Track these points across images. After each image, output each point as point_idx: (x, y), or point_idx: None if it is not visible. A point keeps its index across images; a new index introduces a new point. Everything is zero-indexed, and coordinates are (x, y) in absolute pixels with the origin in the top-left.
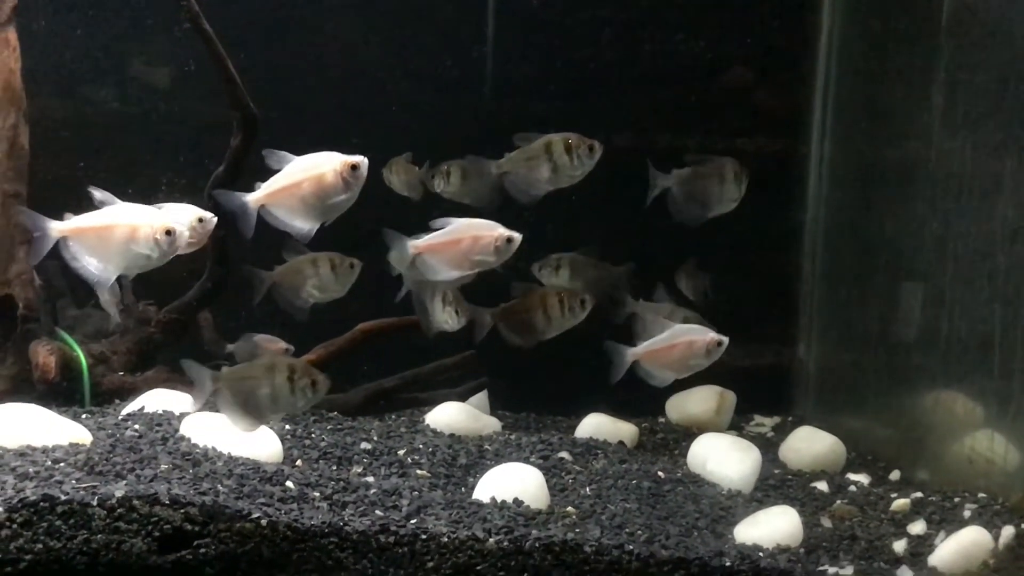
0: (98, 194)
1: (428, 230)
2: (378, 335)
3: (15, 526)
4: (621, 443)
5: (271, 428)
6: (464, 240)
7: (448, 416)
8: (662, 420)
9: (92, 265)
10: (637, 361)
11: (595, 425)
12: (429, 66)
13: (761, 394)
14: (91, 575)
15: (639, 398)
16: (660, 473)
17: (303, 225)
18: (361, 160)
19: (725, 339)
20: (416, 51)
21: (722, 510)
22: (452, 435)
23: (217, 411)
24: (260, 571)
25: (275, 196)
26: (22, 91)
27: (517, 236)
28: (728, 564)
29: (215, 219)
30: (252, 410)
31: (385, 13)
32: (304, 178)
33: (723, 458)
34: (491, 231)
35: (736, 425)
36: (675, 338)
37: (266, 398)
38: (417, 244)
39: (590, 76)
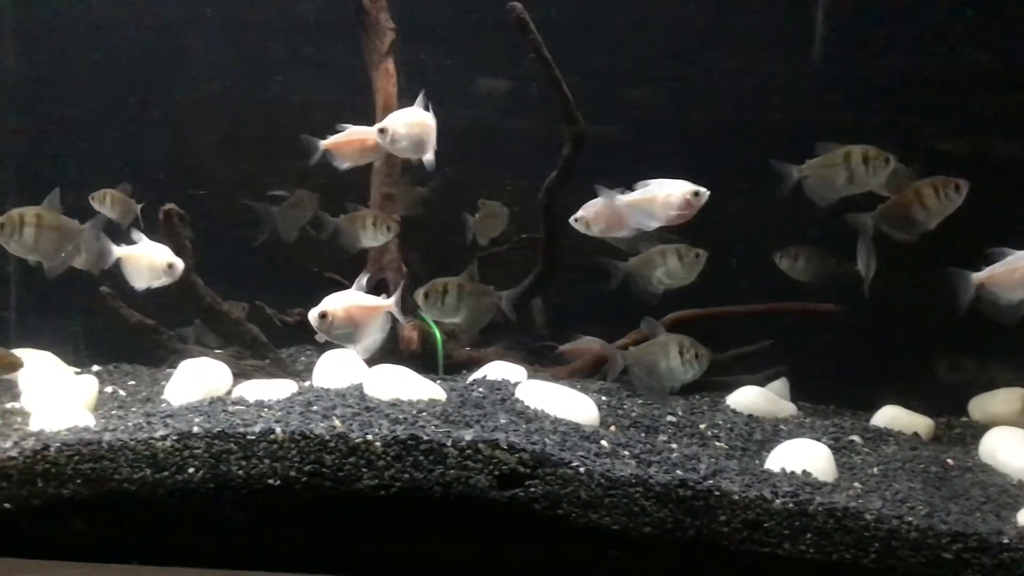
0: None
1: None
2: (685, 324)
3: (388, 458)
4: (915, 434)
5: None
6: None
7: (748, 398)
8: (964, 419)
9: None
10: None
11: (891, 416)
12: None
13: None
14: (444, 502)
15: (942, 396)
16: (949, 460)
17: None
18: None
19: None
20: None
21: (1009, 498)
22: (750, 415)
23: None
24: (577, 510)
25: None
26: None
27: (704, 191)
28: (1006, 541)
29: (708, 193)
30: (655, 380)
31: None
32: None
33: (1015, 449)
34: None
35: None
36: (1018, 261)
37: (664, 370)
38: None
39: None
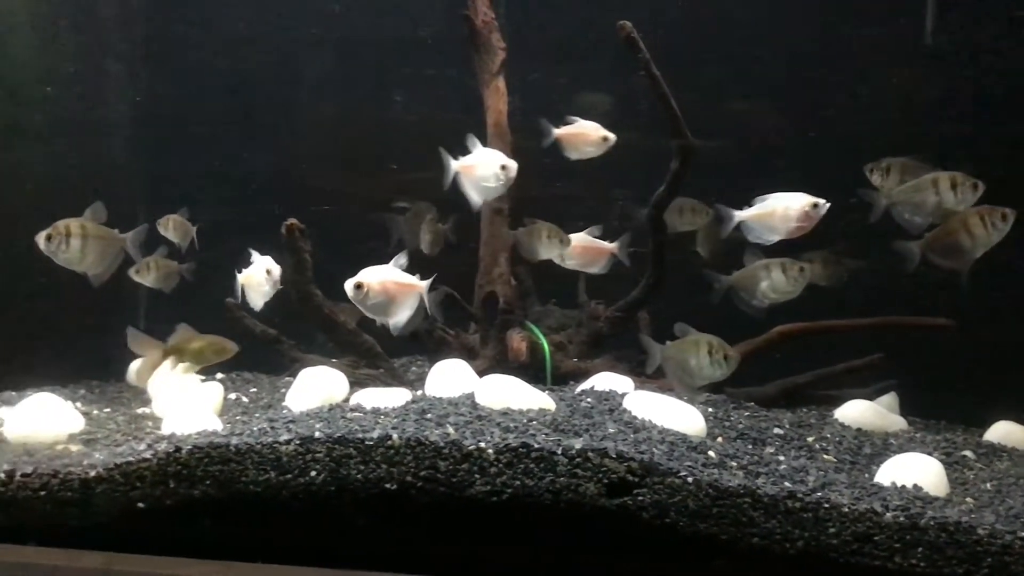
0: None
1: None
2: (793, 337)
3: (501, 465)
4: None
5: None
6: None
7: (856, 412)
8: None
9: None
10: None
11: (1005, 431)
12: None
13: None
14: (554, 509)
15: None
16: None
17: (474, 197)
18: (510, 164)
19: None
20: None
21: None
22: (859, 429)
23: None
24: (685, 520)
25: (465, 169)
26: (507, 129)
27: (823, 203)
28: None
29: (827, 205)
30: (685, 376)
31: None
32: (477, 163)
33: None
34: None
35: None
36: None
37: (694, 367)
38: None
39: None
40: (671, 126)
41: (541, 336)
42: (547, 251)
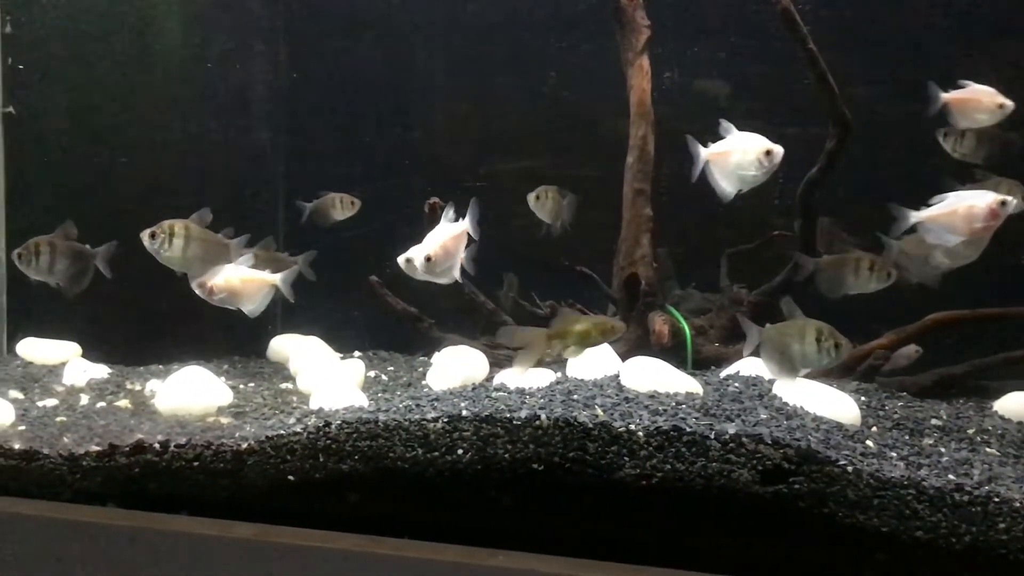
0: None
1: None
2: (948, 325)
3: (651, 448)
4: None
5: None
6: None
7: (1018, 404)
8: None
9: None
10: None
11: None
12: None
13: None
14: (705, 496)
15: None
16: None
17: (725, 188)
18: (776, 149)
19: None
20: None
21: None
22: (1021, 422)
23: None
24: (844, 510)
25: (715, 157)
26: (651, 108)
27: (1011, 200)
28: None
29: (1015, 202)
30: (785, 361)
31: None
32: (733, 150)
33: None
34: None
35: None
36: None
37: (796, 353)
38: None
39: None
40: (828, 104)
41: (682, 320)
42: (863, 285)
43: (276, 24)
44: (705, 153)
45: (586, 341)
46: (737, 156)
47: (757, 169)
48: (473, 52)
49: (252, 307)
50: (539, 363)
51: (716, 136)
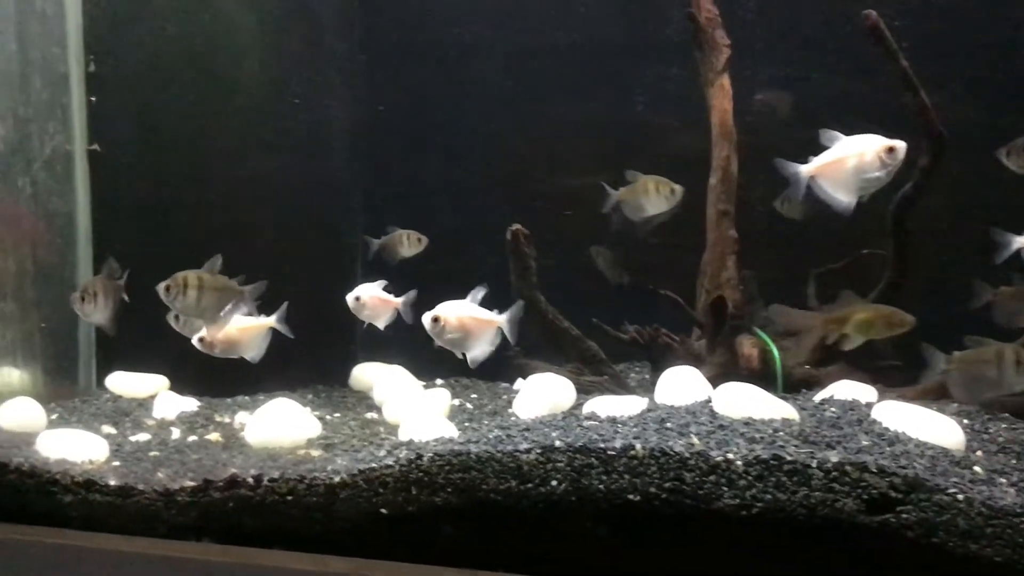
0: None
1: None
2: None
3: (750, 478)
4: None
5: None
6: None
7: None
8: None
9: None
10: None
11: None
12: None
13: None
14: (808, 526)
15: None
16: None
17: (843, 198)
18: (899, 144)
19: None
20: None
21: None
22: None
23: None
24: (955, 540)
25: (823, 169)
26: (733, 128)
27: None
28: None
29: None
30: (977, 388)
31: None
32: (847, 155)
33: None
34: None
35: None
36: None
37: (992, 379)
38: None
39: None
40: (922, 120)
41: (770, 342)
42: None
43: (357, 57)
44: (806, 169)
45: (869, 331)
46: (854, 161)
47: (880, 169)
48: (555, 77)
49: (253, 353)
50: (815, 351)
51: (800, 153)
